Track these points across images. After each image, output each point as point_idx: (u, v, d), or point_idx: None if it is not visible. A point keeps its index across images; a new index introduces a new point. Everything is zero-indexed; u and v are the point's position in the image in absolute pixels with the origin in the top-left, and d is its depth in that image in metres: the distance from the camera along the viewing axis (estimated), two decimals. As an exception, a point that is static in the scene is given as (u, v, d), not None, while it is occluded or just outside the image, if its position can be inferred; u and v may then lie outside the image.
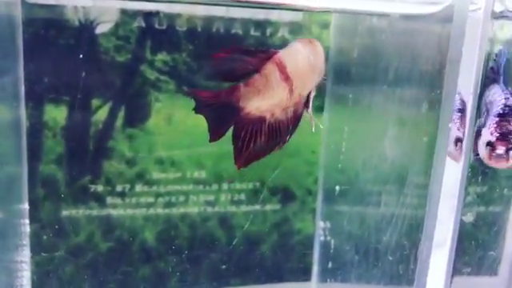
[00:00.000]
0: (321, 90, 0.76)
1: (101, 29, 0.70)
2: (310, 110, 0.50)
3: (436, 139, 0.47)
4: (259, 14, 0.73)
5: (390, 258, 0.53)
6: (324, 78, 0.51)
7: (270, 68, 0.47)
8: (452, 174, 0.48)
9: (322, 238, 0.75)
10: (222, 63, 0.46)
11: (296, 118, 0.49)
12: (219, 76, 0.48)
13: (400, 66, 0.53)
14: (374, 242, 0.57)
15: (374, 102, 0.59)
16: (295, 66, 0.47)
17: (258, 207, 0.79)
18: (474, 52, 0.46)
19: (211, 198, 0.77)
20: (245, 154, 0.50)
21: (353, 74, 0.64)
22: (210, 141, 0.51)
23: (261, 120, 0.49)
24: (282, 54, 0.47)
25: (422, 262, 0.49)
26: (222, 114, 0.48)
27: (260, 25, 0.74)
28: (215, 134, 0.50)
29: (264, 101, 0.47)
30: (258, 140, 0.49)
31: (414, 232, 0.50)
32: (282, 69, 0.46)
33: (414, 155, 0.51)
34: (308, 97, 0.50)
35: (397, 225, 0.52)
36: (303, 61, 0.47)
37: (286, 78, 0.47)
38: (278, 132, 0.49)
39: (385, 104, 0.56)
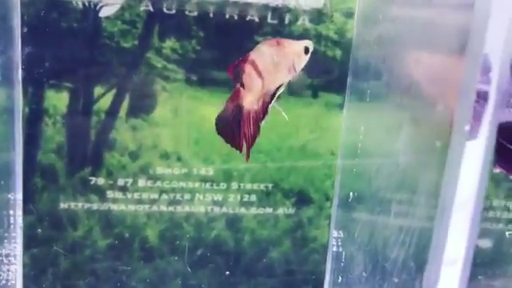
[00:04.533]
0: (340, 86, 0.69)
1: (105, 12, 0.65)
2: (274, 102, 0.57)
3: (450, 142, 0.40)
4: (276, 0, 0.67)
5: (396, 280, 0.46)
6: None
7: (248, 67, 0.54)
8: (468, 181, 0.40)
9: (335, 249, 0.68)
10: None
11: (265, 110, 0.56)
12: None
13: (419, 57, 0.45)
14: (381, 260, 0.50)
15: (390, 98, 0.52)
16: (263, 65, 0.55)
17: (269, 210, 0.72)
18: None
19: (219, 197, 0.71)
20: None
21: (371, 67, 0.57)
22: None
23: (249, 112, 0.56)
24: (253, 55, 0.55)
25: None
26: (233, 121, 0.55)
27: (278, 11, 0.67)
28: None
29: (250, 96, 0.55)
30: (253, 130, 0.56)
31: (421, 251, 0.43)
32: (255, 67, 0.54)
33: (426, 159, 0.44)
34: (275, 92, 0.56)
35: (404, 241, 0.45)
36: (269, 60, 0.55)
37: (259, 74, 0.55)
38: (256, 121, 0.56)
39: (400, 100, 0.48)
